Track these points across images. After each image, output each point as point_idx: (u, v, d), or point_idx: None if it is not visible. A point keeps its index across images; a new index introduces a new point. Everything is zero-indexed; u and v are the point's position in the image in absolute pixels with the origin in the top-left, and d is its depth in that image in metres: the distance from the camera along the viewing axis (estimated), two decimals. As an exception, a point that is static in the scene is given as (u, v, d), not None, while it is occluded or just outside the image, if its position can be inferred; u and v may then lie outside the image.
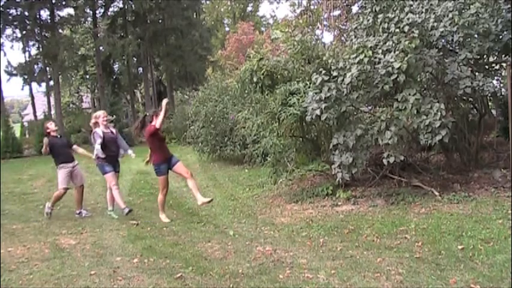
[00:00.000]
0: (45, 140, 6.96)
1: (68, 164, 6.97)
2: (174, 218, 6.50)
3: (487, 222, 4.86)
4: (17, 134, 23.94)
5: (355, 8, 13.42)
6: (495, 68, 7.50)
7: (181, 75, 28.55)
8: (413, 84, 5.72)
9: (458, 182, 6.47)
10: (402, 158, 5.88)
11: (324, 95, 5.85)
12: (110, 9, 26.94)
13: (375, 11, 6.97)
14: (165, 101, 6.41)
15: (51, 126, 7.15)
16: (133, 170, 12.23)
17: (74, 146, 7.42)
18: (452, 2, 6.23)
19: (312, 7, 16.15)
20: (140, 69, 30.01)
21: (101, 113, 7.08)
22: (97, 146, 6.65)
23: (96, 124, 6.93)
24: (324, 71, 6.01)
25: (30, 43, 25.12)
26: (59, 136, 7.28)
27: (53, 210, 7.00)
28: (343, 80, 5.87)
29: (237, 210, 6.74)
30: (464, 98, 6.86)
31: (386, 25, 6.01)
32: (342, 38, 13.08)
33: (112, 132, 7.06)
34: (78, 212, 7.01)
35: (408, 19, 5.80)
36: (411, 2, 6.71)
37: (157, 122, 6.13)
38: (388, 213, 5.75)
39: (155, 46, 26.14)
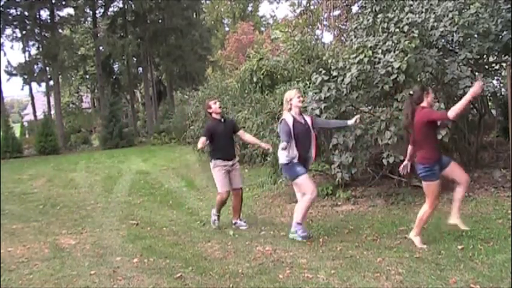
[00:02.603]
0: (203, 138, 5.42)
1: (227, 161, 5.53)
2: (173, 218, 6.50)
3: (486, 222, 4.86)
4: (17, 134, 23.97)
5: (355, 8, 13.43)
6: (495, 68, 7.51)
7: (181, 75, 28.53)
8: (413, 84, 5.72)
9: (458, 182, 6.47)
10: (402, 158, 5.87)
11: (324, 94, 5.86)
12: (110, 9, 26.95)
13: (375, 10, 6.98)
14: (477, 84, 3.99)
15: (215, 105, 5.56)
16: (133, 170, 12.25)
17: (240, 132, 5.85)
18: (452, 1, 6.24)
19: (311, 7, 16.16)
20: (140, 69, 29.99)
21: (294, 92, 4.95)
22: (283, 145, 4.64)
23: (290, 109, 4.91)
24: (323, 71, 6.01)
25: (30, 43, 25.10)
26: (222, 120, 5.64)
27: (219, 216, 5.79)
28: (343, 79, 5.87)
29: (237, 210, 6.73)
30: (464, 98, 6.85)
31: (386, 25, 6.02)
32: (342, 38, 13.08)
33: (305, 120, 4.99)
34: (234, 221, 5.77)
35: (408, 19, 5.81)
36: (411, 2, 6.72)
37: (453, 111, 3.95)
38: (388, 213, 5.75)
39: (155, 46, 26.13)
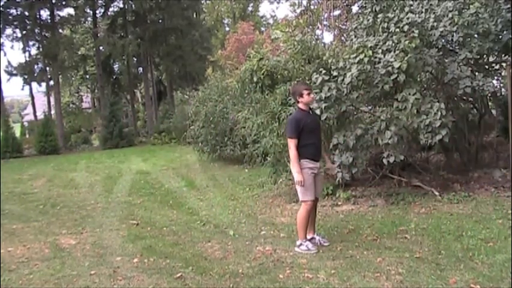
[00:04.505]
0: (294, 140, 4.39)
1: (316, 163, 4.55)
2: (174, 218, 6.50)
3: (487, 222, 4.86)
4: (17, 134, 23.95)
5: (355, 8, 13.42)
6: (495, 68, 7.51)
7: (181, 75, 28.53)
8: (413, 84, 5.73)
9: (458, 182, 6.47)
10: (402, 157, 5.88)
11: (324, 94, 5.85)
12: (110, 9, 26.95)
13: (375, 10, 6.97)
14: None
15: (308, 96, 4.50)
16: (133, 170, 12.25)
17: None
18: (452, 1, 6.24)
19: (312, 7, 16.16)
20: (140, 69, 30.00)
21: None
22: None
23: None
24: (324, 71, 6.00)
25: (30, 43, 25.08)
26: (309, 112, 4.67)
27: (311, 239, 4.65)
28: (343, 79, 5.87)
29: (237, 210, 6.73)
30: (464, 97, 6.86)
31: (386, 25, 6.02)
32: (342, 38, 13.07)
33: None
34: (310, 237, 4.66)
35: (408, 19, 5.81)
36: (411, 2, 6.72)
37: None
38: (388, 213, 5.75)
39: (155, 46, 26.12)
